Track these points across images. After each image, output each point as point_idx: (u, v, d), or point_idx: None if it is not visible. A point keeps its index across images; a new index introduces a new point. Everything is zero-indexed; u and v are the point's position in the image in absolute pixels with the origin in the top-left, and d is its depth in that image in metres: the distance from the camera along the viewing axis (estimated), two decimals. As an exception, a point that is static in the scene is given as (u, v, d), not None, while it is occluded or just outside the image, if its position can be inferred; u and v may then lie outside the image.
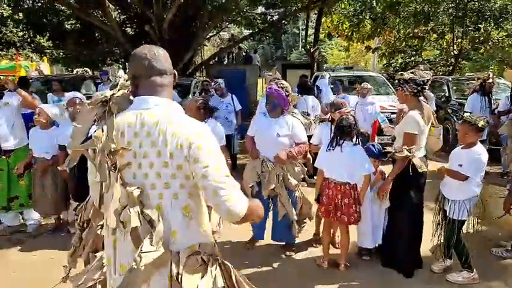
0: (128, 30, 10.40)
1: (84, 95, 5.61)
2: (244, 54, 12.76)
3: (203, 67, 11.66)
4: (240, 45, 12.95)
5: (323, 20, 10.57)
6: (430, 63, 11.64)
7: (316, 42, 10.18)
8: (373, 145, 3.09)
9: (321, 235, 3.22)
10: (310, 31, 12.07)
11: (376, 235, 2.97)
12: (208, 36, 11.66)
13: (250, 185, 2.92)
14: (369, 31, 9.74)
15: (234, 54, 13.03)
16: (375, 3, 8.09)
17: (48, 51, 11.29)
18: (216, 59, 12.24)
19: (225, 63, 12.62)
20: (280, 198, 2.95)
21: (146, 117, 1.22)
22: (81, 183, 2.00)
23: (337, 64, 19.30)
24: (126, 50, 9.50)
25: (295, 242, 3.26)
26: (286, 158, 2.88)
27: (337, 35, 12.26)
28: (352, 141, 2.74)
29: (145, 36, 9.74)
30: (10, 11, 10.31)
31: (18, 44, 10.59)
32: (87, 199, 1.77)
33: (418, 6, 8.70)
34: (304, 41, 11.76)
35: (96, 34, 10.95)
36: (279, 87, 3.03)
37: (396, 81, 2.65)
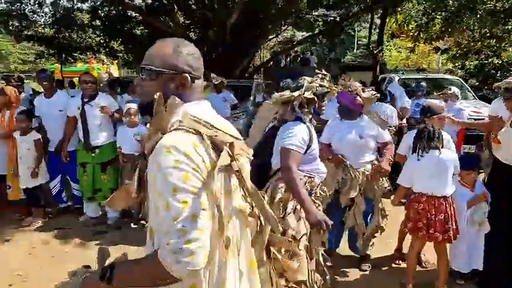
0: (191, 34, 10.89)
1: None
2: (301, 56, 12.75)
3: (261, 69, 11.85)
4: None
5: (386, 19, 10.18)
6: (510, 65, 10.61)
7: (380, 43, 9.84)
8: (467, 154, 2.87)
9: (403, 251, 3.06)
10: (366, 32, 11.71)
11: (473, 258, 2.70)
12: (267, 40, 11.82)
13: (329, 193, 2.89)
14: (438, 31, 9.18)
15: (290, 57, 13.08)
16: (451, 1, 7.55)
17: (120, 54, 12.20)
18: (273, 61, 12.37)
19: (281, 65, 12.71)
20: (355, 208, 2.84)
21: None
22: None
23: (395, 66, 18.44)
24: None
25: (371, 256, 3.15)
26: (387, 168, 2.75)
27: (400, 36, 11.73)
28: (439, 149, 2.58)
29: (207, 40, 10.16)
30: (89, 19, 11.32)
31: (96, 49, 11.58)
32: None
33: (498, 4, 8.00)
34: (366, 41, 11.44)
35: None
36: (349, 91, 2.99)
37: (502, 89, 2.50)
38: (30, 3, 10.46)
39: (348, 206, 2.90)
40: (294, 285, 1.57)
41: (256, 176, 2.30)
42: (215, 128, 1.05)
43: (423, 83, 5.81)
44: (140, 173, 1.10)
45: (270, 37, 11.97)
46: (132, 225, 4.21)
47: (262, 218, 1.19)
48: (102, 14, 11.06)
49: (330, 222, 1.89)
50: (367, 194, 2.85)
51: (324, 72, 2.35)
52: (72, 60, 12.05)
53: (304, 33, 13.33)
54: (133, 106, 4.05)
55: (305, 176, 2.16)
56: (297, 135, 2.08)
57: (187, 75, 1.09)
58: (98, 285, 1.03)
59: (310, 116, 2.21)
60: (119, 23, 11.12)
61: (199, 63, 1.15)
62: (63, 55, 11.14)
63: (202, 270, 0.97)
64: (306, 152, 2.11)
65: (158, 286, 0.97)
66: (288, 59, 13.02)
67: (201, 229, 0.93)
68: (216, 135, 1.03)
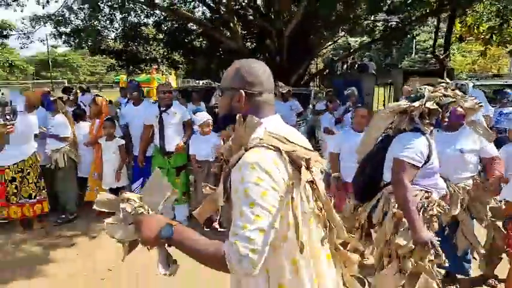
0: (248, 44, 11.17)
1: (214, 105, 6.29)
2: (358, 63, 12.52)
3: (317, 77, 11.81)
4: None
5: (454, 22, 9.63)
6: None
7: (447, 47, 9.35)
8: None
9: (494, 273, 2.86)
10: (426, 36, 11.13)
11: None
12: (323, 47, 11.78)
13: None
14: (512, 33, 8.54)
15: (348, 63, 12.89)
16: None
17: (180, 66, 12.84)
18: (329, 69, 12.27)
19: (338, 72, 12.57)
20: (463, 227, 2.61)
21: None
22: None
23: (459, 71, 17.34)
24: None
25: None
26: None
27: (468, 39, 11.05)
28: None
29: (264, 50, 10.38)
30: (154, 32, 12.10)
31: (160, 60, 12.30)
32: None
33: None
34: (425, 45, 10.94)
35: (220, 49, 12.03)
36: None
37: None
38: (102, 20, 11.40)
39: (450, 225, 2.65)
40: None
41: (363, 186, 2.29)
42: (291, 142, 1.16)
43: (508, 90, 5.45)
44: (225, 183, 1.18)
45: (328, 44, 11.92)
46: (205, 229, 4.37)
47: (330, 223, 1.28)
48: (165, 28, 11.76)
49: (436, 243, 1.83)
50: (472, 211, 2.63)
51: (447, 80, 2.20)
52: (138, 72, 12.88)
53: (359, 39, 13.08)
54: (205, 116, 4.27)
55: (421, 190, 2.05)
56: (415, 147, 1.97)
57: (242, 91, 1.20)
58: (156, 236, 1.14)
59: (432, 128, 2.09)
60: (180, 36, 11.74)
61: (259, 79, 1.23)
62: (131, 67, 11.97)
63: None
64: (423, 166, 2.01)
65: (205, 266, 1.11)
66: (345, 66, 12.86)
67: (266, 244, 1.04)
68: (293, 150, 1.13)
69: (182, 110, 4.57)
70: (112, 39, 11.77)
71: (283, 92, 6.56)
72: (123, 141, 4.53)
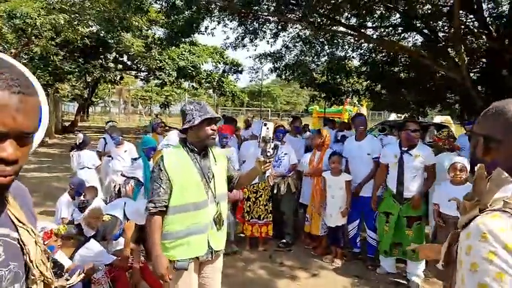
0: (472, 74, 9.58)
1: (427, 143, 5.37)
2: None
3: None
4: None
5: None
6: None
7: None
8: None
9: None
10: None
11: None
12: None
13: None
14: None
15: None
16: None
17: (383, 98, 12.32)
18: None
19: None
20: None
21: None
22: None
23: None
24: (468, 97, 8.70)
25: None
26: None
27: None
28: None
29: (495, 81, 8.63)
30: (358, 65, 12.08)
31: (361, 92, 12.14)
32: None
33: None
34: None
35: (431, 81, 10.86)
36: None
37: None
38: (311, 55, 12.19)
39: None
40: None
41: None
42: None
43: None
44: (450, 245, 1.03)
45: None
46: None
47: None
48: (370, 60, 11.51)
49: None
50: None
51: None
52: (339, 103, 13.11)
53: None
54: (460, 160, 3.55)
55: None
56: None
57: (481, 138, 1.04)
58: None
59: None
60: (385, 67, 11.24)
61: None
62: (332, 98, 12.26)
63: None
64: None
65: None
66: None
67: None
68: None
69: (428, 153, 3.99)
70: (319, 72, 12.39)
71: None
72: (350, 177, 4.31)
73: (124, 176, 4.45)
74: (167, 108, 38.40)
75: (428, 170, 3.93)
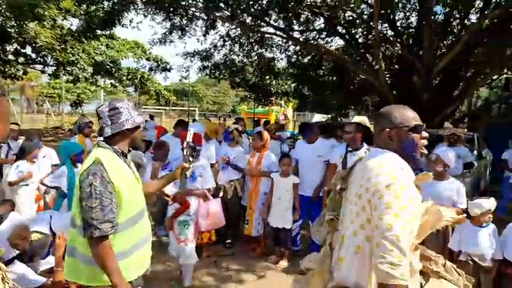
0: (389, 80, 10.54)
1: None
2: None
3: (465, 119, 10.49)
4: None
5: None
6: None
7: None
8: None
9: None
10: None
11: None
12: (479, 86, 10.48)
13: None
14: None
15: (503, 106, 11.17)
16: None
17: (309, 99, 12.88)
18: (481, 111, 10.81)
19: (493, 116, 10.95)
20: None
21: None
22: None
23: None
24: (385, 99, 9.56)
25: None
26: None
27: None
28: None
29: (407, 86, 9.62)
30: (285, 66, 12.45)
31: (290, 94, 12.53)
32: None
33: None
34: None
35: (351, 85, 11.67)
36: None
37: None
38: (240, 55, 12.19)
39: None
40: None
41: None
42: None
43: None
44: None
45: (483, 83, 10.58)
46: None
47: None
48: (298, 63, 11.96)
49: None
50: None
51: None
52: (268, 104, 13.34)
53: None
54: None
55: None
56: None
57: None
58: None
59: None
60: (312, 69, 11.78)
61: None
62: (262, 99, 12.44)
63: None
64: None
65: None
66: (502, 106, 11.17)
67: None
68: None
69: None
70: (250, 73, 12.45)
71: (447, 134, 5.71)
72: (298, 180, 4.33)
73: (44, 185, 3.81)
74: (79, 108, 35.05)
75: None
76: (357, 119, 4.10)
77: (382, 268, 1.30)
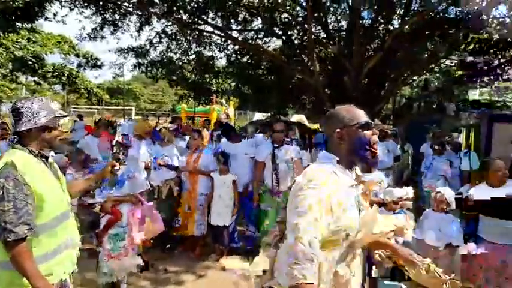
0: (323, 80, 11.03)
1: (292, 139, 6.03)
2: (436, 102, 11.92)
3: (391, 116, 11.37)
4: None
5: None
6: None
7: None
8: None
9: None
10: None
11: None
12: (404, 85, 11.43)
13: None
14: None
15: (423, 103, 12.31)
16: None
17: (249, 98, 12.97)
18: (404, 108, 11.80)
19: (414, 112, 12.01)
20: None
21: None
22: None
23: None
24: (320, 98, 10.03)
25: None
26: None
27: None
28: None
29: (339, 85, 10.17)
30: (225, 65, 12.41)
31: (231, 93, 12.51)
32: None
33: None
34: None
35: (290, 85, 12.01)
36: None
37: None
38: (178, 53, 11.89)
39: None
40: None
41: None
42: None
43: None
44: None
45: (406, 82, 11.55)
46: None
47: None
48: (237, 62, 11.99)
49: None
50: None
51: None
52: (209, 102, 13.16)
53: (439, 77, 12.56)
54: None
55: None
56: None
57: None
58: None
59: None
60: (251, 68, 11.90)
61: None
62: (202, 98, 12.26)
63: None
64: None
65: None
66: (422, 105, 12.30)
67: None
68: None
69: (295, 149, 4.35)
70: (189, 71, 12.19)
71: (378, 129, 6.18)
72: (236, 177, 4.35)
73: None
74: (-3, 107, 31.52)
75: (295, 163, 4.28)
76: (295, 117, 4.30)
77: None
